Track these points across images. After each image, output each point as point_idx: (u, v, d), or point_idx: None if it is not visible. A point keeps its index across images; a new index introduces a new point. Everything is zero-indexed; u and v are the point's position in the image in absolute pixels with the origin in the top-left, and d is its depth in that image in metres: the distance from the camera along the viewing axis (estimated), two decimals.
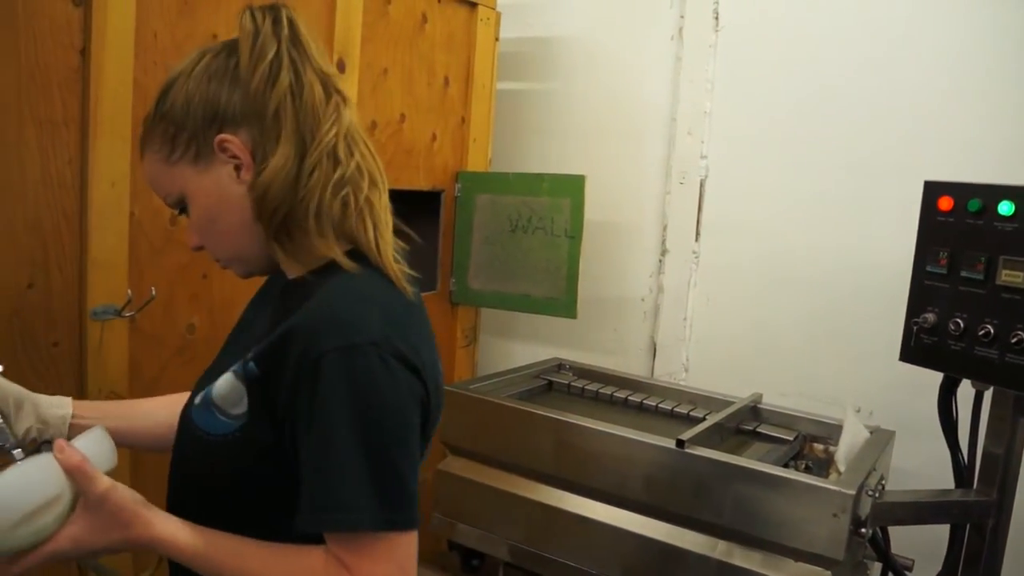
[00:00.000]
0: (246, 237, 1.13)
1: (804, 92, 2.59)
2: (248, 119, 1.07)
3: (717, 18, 2.77)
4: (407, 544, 0.99)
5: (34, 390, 1.70)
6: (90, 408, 1.33)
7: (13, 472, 1.02)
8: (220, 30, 1.95)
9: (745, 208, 2.71)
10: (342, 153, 1.08)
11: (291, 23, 1.10)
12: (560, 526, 2.05)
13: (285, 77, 1.06)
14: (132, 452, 1.82)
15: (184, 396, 1.45)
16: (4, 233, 1.63)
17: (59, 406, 1.27)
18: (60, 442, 1.03)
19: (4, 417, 1.21)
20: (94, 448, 1.09)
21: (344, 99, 1.14)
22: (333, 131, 1.08)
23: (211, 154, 1.09)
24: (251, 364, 1.05)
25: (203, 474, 1.11)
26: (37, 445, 1.18)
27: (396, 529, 0.97)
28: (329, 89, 1.11)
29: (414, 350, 1.02)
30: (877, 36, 2.47)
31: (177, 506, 1.09)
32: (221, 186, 1.10)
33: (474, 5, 2.75)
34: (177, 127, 1.09)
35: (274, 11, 1.10)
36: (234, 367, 1.08)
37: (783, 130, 2.63)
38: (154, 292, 1.81)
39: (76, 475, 1.00)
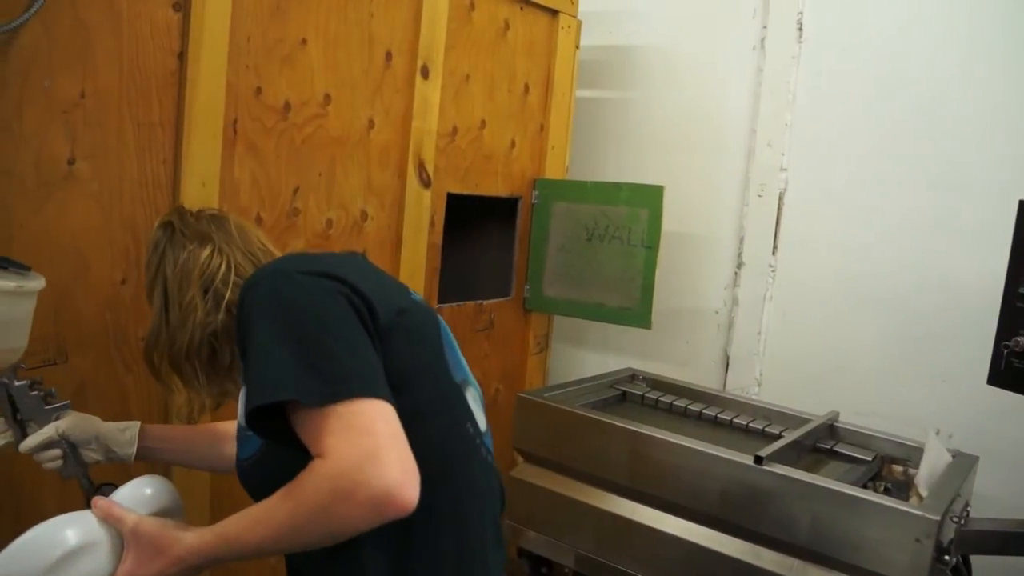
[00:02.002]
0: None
1: (888, 105, 2.54)
2: None
3: (801, 29, 2.73)
4: (362, 411, 0.95)
5: (122, 383, 1.76)
6: (158, 439, 1.46)
7: (40, 525, 1.13)
8: (309, 34, 1.99)
9: (825, 222, 2.67)
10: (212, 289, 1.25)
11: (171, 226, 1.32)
12: (632, 537, 2.04)
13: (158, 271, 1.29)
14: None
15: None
16: (101, 230, 1.69)
17: (127, 443, 1.41)
18: (95, 499, 1.18)
19: (75, 452, 1.35)
20: (136, 494, 1.22)
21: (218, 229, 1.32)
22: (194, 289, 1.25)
23: None
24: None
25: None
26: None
27: (340, 399, 0.94)
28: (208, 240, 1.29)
29: (319, 266, 1.09)
30: (965, 49, 2.41)
31: None
32: None
33: (555, 13, 2.75)
34: None
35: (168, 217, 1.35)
36: None
37: (866, 144, 2.58)
38: None
39: (107, 519, 1.14)
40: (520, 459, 2.29)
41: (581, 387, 2.44)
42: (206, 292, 1.24)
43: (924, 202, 2.47)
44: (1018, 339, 1.69)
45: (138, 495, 1.21)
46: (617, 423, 2.08)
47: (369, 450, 0.91)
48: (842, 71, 2.64)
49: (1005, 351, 1.72)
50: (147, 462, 1.48)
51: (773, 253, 2.78)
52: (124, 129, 1.70)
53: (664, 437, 2.00)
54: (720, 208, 2.90)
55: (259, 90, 1.91)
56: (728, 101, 2.90)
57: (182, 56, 1.76)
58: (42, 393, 1.35)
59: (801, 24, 2.73)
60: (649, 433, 2.02)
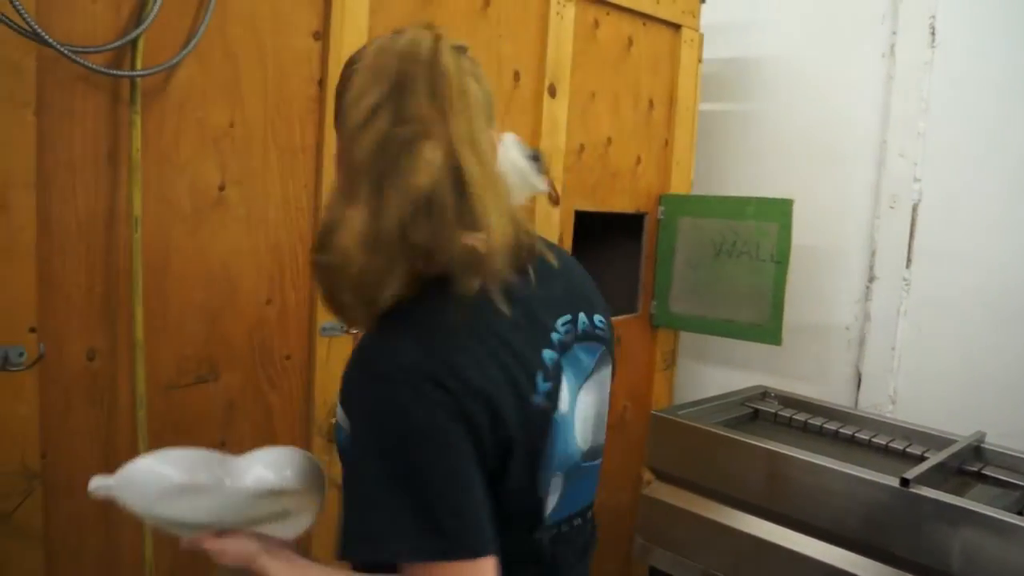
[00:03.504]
0: None
1: None
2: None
3: (934, 33, 2.64)
4: (470, 573, 0.91)
5: (267, 400, 1.83)
6: None
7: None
8: None
9: (963, 234, 2.57)
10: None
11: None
12: (768, 559, 2.00)
13: (380, 124, 0.95)
14: None
15: None
16: (249, 252, 1.75)
17: None
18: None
19: None
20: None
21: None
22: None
23: None
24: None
25: None
26: None
27: (447, 559, 0.90)
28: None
29: (451, 369, 0.92)
30: None
31: None
32: None
33: (678, 27, 2.74)
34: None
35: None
36: None
37: (1005, 151, 2.48)
38: None
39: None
40: (652, 477, 2.28)
41: (713, 405, 2.42)
42: None
43: None
44: None
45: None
46: (755, 442, 2.05)
47: None
48: (979, 75, 2.54)
49: None
50: None
51: (907, 266, 2.69)
52: (268, 155, 1.76)
53: (804, 457, 1.96)
54: (850, 220, 2.82)
55: None
56: (856, 110, 2.82)
57: (322, 83, 1.82)
58: None
59: (934, 28, 2.64)
60: (789, 453, 1.98)
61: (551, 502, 1.04)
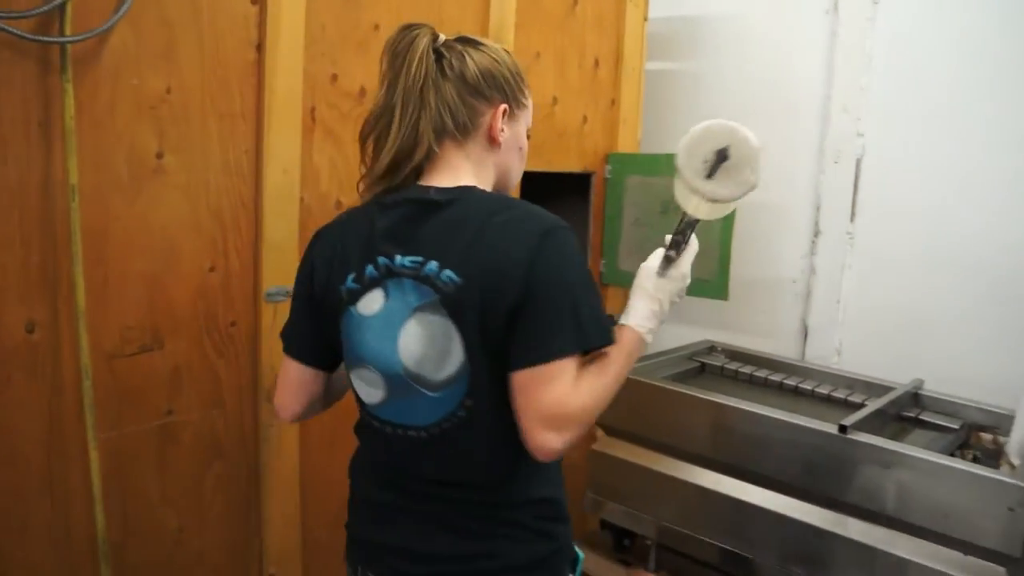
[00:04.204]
0: None
1: (971, 66, 2.46)
2: None
3: None
4: (286, 361, 1.43)
5: (214, 367, 1.83)
6: None
7: None
8: (381, 20, 2.01)
9: (905, 188, 2.61)
10: None
11: None
12: (715, 508, 2.05)
13: None
14: None
15: None
16: (190, 220, 1.74)
17: None
18: None
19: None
20: None
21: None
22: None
23: None
24: None
25: None
26: None
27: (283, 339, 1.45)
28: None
29: (316, 238, 1.41)
30: None
31: None
32: None
33: None
34: None
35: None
36: None
37: (948, 106, 2.51)
38: None
39: None
40: (601, 432, 2.31)
41: (660, 360, 2.45)
42: None
43: (1007, 164, 2.40)
44: None
45: None
46: (699, 395, 2.09)
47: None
48: (921, 31, 2.57)
49: None
50: None
51: (851, 220, 2.73)
52: (207, 121, 1.75)
53: (747, 408, 2.00)
54: (795, 176, 2.86)
55: (335, 77, 1.95)
56: (801, 67, 2.84)
57: (260, 47, 1.80)
58: None
59: None
60: (732, 404, 2.02)
61: (366, 391, 1.33)
